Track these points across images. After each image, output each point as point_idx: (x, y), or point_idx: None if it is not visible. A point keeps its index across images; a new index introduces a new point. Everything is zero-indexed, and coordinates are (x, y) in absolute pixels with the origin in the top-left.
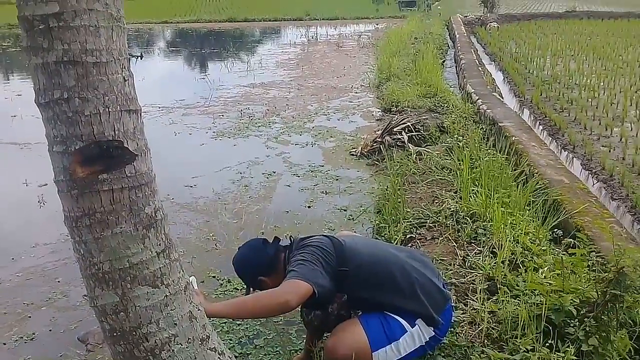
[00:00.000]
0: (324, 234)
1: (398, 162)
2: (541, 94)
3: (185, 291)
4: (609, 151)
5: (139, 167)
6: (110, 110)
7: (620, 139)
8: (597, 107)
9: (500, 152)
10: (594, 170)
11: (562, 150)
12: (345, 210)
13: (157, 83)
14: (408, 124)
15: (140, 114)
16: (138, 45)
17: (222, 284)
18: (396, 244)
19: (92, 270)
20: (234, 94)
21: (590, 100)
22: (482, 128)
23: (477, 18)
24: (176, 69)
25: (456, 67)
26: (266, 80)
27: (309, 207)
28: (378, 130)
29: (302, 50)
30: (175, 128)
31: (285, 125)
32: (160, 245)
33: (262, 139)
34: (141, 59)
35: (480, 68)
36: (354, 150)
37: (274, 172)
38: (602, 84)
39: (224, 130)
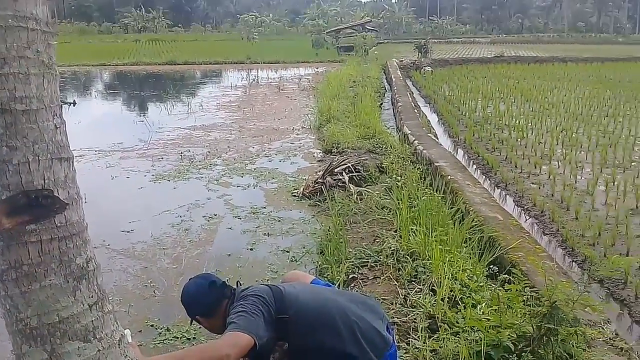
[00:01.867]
0: (265, 283)
1: (339, 202)
2: (474, 135)
3: (119, 345)
4: (539, 188)
5: (69, 217)
6: (40, 158)
7: (549, 177)
8: (526, 147)
9: (437, 191)
10: (525, 207)
11: (496, 188)
12: (287, 251)
13: (94, 126)
14: (348, 164)
15: (73, 162)
16: (75, 88)
17: (160, 333)
18: (339, 284)
19: (19, 326)
20: (174, 137)
21: (519, 140)
22: (419, 168)
23: (412, 62)
24: (114, 112)
25: (393, 109)
26: (207, 122)
27: (251, 249)
28: (319, 171)
29: (243, 93)
30: (112, 172)
31: (226, 167)
32: (92, 297)
33: (203, 181)
34: (74, 105)
35: (416, 110)
36: (296, 191)
37: (215, 215)
38: (530, 124)
39: (164, 173)
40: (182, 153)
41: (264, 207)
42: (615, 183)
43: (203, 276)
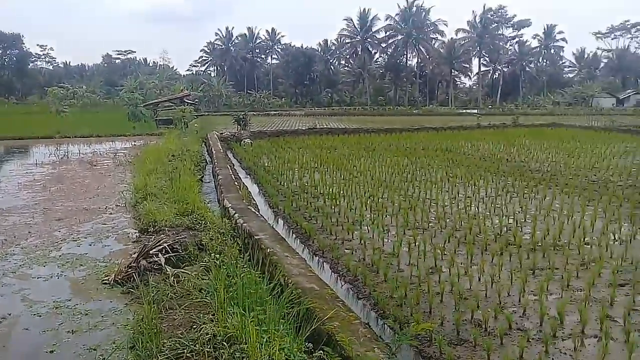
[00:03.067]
0: None
1: (154, 287)
2: (292, 204)
3: None
4: (352, 253)
5: None
6: None
7: (360, 241)
8: (339, 214)
9: (256, 265)
10: (341, 273)
11: (314, 256)
12: (95, 349)
13: None
14: (165, 245)
15: None
16: None
17: None
18: None
19: None
20: None
21: (333, 207)
22: (239, 242)
23: (232, 134)
24: None
25: (214, 182)
26: (5, 205)
27: (51, 352)
28: (134, 254)
29: (51, 170)
30: None
31: (26, 256)
32: None
33: None
34: None
35: (236, 182)
36: (106, 278)
37: (9, 315)
38: (342, 192)
39: None
40: None
41: (69, 300)
42: (417, 244)
43: None
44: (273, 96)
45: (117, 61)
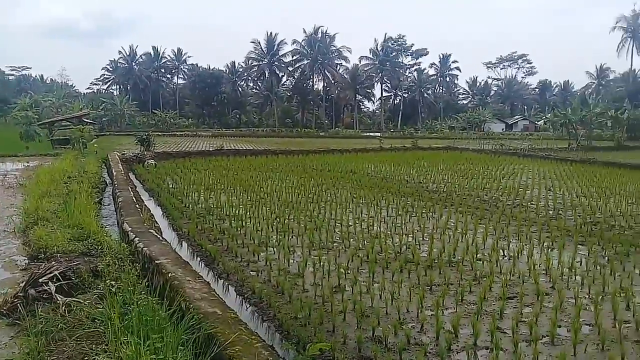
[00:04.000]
0: None
1: (43, 318)
2: (197, 227)
3: None
4: (257, 275)
5: None
6: None
7: (266, 263)
8: (245, 235)
9: (156, 291)
10: (246, 296)
11: (218, 279)
12: None
13: None
14: (56, 272)
15: None
16: None
17: None
18: None
19: None
20: None
21: (239, 229)
22: (138, 268)
23: (135, 155)
24: None
25: (114, 204)
26: None
27: None
28: (22, 282)
29: None
30: None
31: None
32: None
33: None
34: None
35: (138, 205)
36: None
37: None
38: (248, 213)
39: None
40: None
41: None
42: (321, 263)
43: None
44: (179, 116)
45: (10, 77)
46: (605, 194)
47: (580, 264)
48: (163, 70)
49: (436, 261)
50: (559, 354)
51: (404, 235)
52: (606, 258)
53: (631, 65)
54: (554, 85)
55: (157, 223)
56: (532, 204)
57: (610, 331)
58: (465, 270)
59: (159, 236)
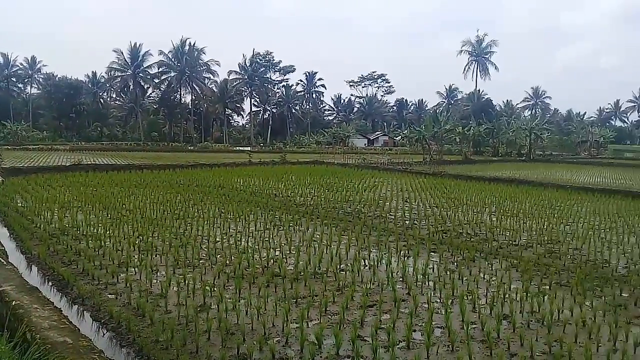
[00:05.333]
0: None
1: None
2: (49, 249)
3: None
4: (116, 298)
5: None
6: None
7: (126, 284)
8: (104, 256)
9: None
10: (103, 321)
11: (72, 305)
12: None
13: None
14: None
15: None
16: None
17: None
18: None
19: None
20: None
21: (97, 249)
22: None
23: None
24: None
25: None
26: None
27: None
28: None
29: None
30: None
31: None
32: None
33: None
34: None
35: None
36: None
37: None
38: (108, 232)
39: None
40: None
41: None
42: (186, 282)
43: None
44: (33, 129)
45: None
46: (454, 204)
47: (433, 270)
48: (14, 79)
49: (302, 274)
50: (414, 358)
51: (271, 249)
52: (455, 264)
53: (476, 86)
54: (410, 104)
55: (2, 246)
56: (390, 215)
57: (459, 332)
58: (329, 281)
59: (2, 260)
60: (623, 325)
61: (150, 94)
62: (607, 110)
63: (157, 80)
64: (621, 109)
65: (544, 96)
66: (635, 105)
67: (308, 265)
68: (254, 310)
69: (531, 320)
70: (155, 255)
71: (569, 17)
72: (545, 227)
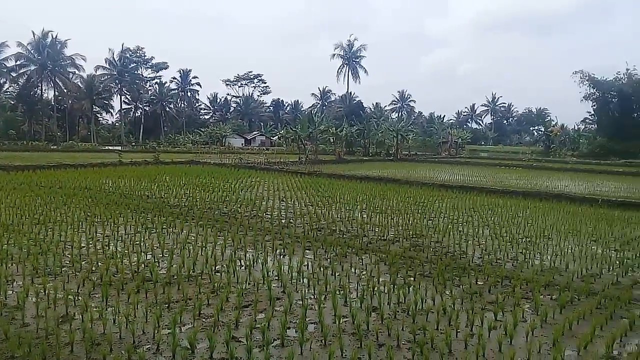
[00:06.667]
0: None
1: None
2: None
3: None
4: None
5: None
6: None
7: None
8: None
9: None
10: None
11: None
12: None
13: None
14: None
15: None
16: None
17: None
18: None
19: None
20: None
21: None
22: None
23: None
24: None
25: None
26: None
27: None
28: None
29: None
30: None
31: None
32: None
33: None
34: None
35: None
36: None
37: None
38: None
39: None
40: None
41: None
42: (47, 292)
43: None
44: None
45: None
46: (328, 202)
47: (307, 267)
48: None
49: (175, 277)
50: (288, 355)
51: (142, 253)
52: (328, 260)
53: (347, 88)
54: (286, 104)
55: None
56: (267, 214)
57: (331, 326)
58: (204, 283)
59: None
60: (479, 311)
61: (7, 88)
62: (465, 114)
63: (14, 74)
64: (476, 112)
65: (409, 99)
66: (488, 109)
67: (182, 268)
68: (123, 318)
69: (398, 311)
70: (11, 265)
71: (433, 24)
72: (410, 222)
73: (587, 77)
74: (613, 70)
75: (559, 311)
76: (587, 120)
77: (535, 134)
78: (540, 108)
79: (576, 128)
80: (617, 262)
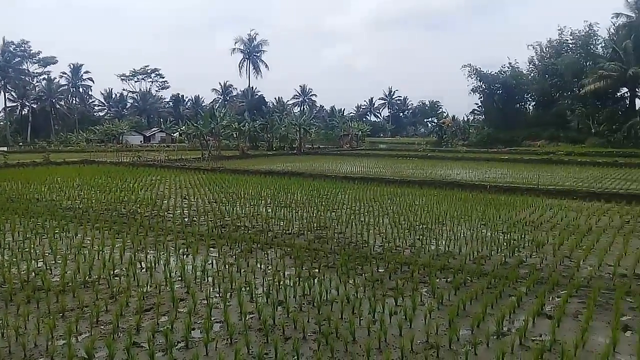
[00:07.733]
0: None
1: None
2: None
3: None
4: None
5: None
6: None
7: None
8: None
9: None
10: None
11: None
12: None
13: None
14: None
15: None
16: None
17: None
18: None
19: None
20: None
21: None
22: None
23: None
24: None
25: None
26: None
27: None
28: None
29: None
30: None
31: None
32: None
33: None
34: None
35: None
36: None
37: None
38: None
39: None
40: None
41: None
42: None
43: None
44: None
45: None
46: (233, 198)
47: (212, 266)
48: None
49: (70, 284)
50: (192, 357)
51: (32, 261)
52: (234, 257)
53: (249, 83)
54: (187, 100)
55: None
56: (169, 213)
57: (237, 324)
58: (101, 289)
59: None
60: (380, 298)
61: None
62: (364, 107)
63: None
64: (374, 106)
65: (310, 94)
66: (385, 102)
67: (77, 274)
68: (12, 331)
69: (303, 303)
70: None
71: (333, 20)
72: (314, 214)
73: (475, 71)
74: (499, 64)
75: (453, 293)
76: (475, 112)
77: (429, 125)
78: (433, 101)
79: (466, 119)
80: (505, 244)
